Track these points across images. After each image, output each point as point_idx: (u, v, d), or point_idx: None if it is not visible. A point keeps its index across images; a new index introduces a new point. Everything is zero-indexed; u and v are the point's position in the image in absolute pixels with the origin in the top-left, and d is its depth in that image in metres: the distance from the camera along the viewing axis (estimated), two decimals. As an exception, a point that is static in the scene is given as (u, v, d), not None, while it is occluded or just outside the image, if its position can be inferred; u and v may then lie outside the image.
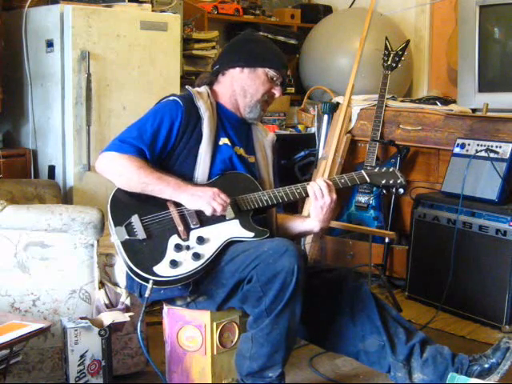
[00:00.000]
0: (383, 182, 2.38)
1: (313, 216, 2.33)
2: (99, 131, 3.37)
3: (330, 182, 2.29)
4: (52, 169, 3.38)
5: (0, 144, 3.50)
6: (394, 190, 2.41)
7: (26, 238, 2.38)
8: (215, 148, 2.31)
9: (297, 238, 2.41)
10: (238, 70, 2.37)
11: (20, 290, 2.40)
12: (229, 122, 2.39)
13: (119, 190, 2.23)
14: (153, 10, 3.66)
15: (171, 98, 2.35)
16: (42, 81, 3.40)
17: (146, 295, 2.07)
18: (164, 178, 2.19)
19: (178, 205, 2.20)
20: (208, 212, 2.17)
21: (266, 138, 2.50)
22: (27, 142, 3.50)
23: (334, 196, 2.27)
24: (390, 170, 2.42)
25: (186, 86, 2.41)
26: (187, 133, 2.28)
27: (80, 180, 3.36)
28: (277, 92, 2.39)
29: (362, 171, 2.38)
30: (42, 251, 2.39)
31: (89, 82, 3.28)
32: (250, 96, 2.36)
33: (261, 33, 4.57)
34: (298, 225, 2.41)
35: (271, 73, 2.36)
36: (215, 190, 2.19)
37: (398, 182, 2.39)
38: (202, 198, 2.17)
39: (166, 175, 2.20)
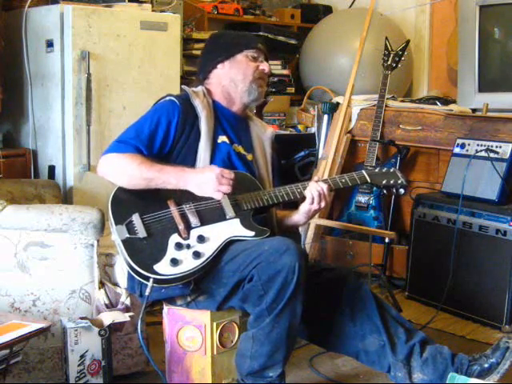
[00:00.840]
0: (384, 182, 2.39)
1: (302, 212, 2.35)
2: (99, 131, 3.37)
3: (330, 188, 2.30)
4: (52, 169, 3.38)
5: (0, 144, 3.50)
6: (394, 191, 2.42)
7: (26, 238, 2.38)
8: (214, 146, 2.32)
9: (285, 232, 2.43)
10: (219, 67, 2.40)
11: (20, 289, 2.40)
12: (226, 120, 2.40)
13: (120, 189, 2.23)
14: (153, 10, 3.66)
15: (168, 98, 2.36)
16: (42, 81, 3.40)
17: (147, 293, 2.07)
18: (166, 170, 2.20)
19: (178, 204, 2.20)
20: (218, 197, 2.19)
21: (264, 133, 2.51)
22: (27, 142, 3.50)
23: (329, 199, 2.31)
24: (391, 170, 2.42)
25: (182, 86, 2.43)
26: (185, 132, 2.29)
27: (80, 180, 3.36)
28: (265, 67, 2.40)
29: (363, 171, 2.38)
30: (42, 251, 2.39)
31: (89, 82, 3.28)
32: (241, 82, 2.37)
33: (261, 33, 4.58)
34: (286, 220, 2.44)
35: (250, 53, 2.38)
36: (217, 170, 2.19)
37: (399, 182, 2.39)
38: (208, 185, 2.18)
39: (167, 166, 2.21)
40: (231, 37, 2.48)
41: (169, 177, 2.19)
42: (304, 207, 2.32)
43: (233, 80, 2.37)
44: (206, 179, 2.19)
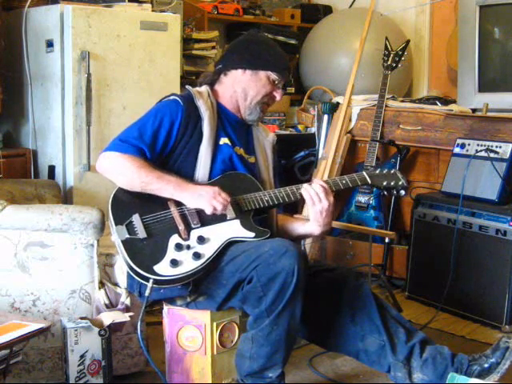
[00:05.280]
0: (384, 183, 2.38)
1: (312, 220, 2.31)
2: (99, 131, 3.38)
3: (326, 185, 2.26)
4: (52, 169, 3.38)
5: (0, 144, 3.50)
6: (395, 192, 2.41)
7: (26, 238, 2.38)
8: (215, 148, 2.31)
9: (297, 239, 2.41)
10: (240, 71, 2.36)
11: (20, 289, 2.40)
12: (229, 122, 2.40)
13: (120, 190, 2.23)
14: (153, 10, 3.66)
15: (171, 97, 2.36)
16: (41, 81, 3.40)
17: (146, 294, 2.07)
18: (165, 177, 2.19)
19: (178, 204, 2.20)
20: (208, 211, 2.17)
21: (266, 138, 2.50)
22: (27, 142, 3.50)
23: (331, 199, 2.26)
24: (392, 171, 2.41)
25: (186, 86, 2.42)
26: (187, 132, 2.29)
27: (80, 180, 3.36)
28: (278, 95, 2.39)
29: (364, 172, 2.37)
30: (42, 251, 2.39)
31: (89, 82, 3.28)
32: (251, 98, 2.36)
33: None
34: (298, 227, 2.40)
35: (273, 76, 2.35)
36: (216, 188, 2.19)
37: (400, 183, 2.38)
38: (203, 197, 2.17)
39: (166, 174, 2.20)
40: (266, 49, 2.40)
41: (166, 185, 2.18)
42: (311, 213, 2.28)
43: (245, 91, 2.35)
44: (202, 191, 2.18)
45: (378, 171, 2.40)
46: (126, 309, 2.43)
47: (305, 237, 2.46)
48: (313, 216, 2.29)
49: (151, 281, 2.06)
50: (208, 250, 2.12)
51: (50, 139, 3.43)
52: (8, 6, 3.46)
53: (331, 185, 2.30)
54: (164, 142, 2.26)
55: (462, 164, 3.34)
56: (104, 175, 2.25)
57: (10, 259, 2.38)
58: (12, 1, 3.47)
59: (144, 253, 2.11)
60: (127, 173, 2.19)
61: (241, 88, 2.36)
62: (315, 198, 2.24)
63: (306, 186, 2.27)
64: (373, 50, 4.23)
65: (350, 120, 4.02)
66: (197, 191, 2.18)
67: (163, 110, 2.30)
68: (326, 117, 4.02)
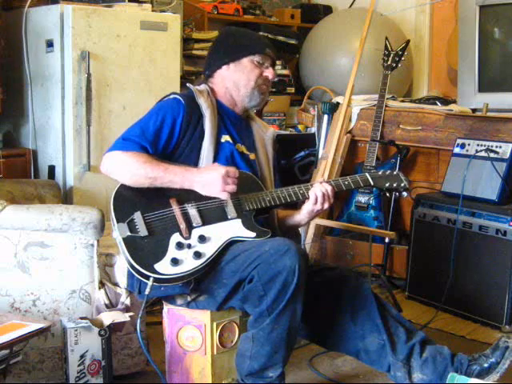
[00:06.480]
0: (387, 185, 2.38)
1: (304, 212, 2.35)
2: (99, 131, 3.38)
3: (332, 191, 2.30)
4: (52, 169, 3.38)
5: (0, 144, 3.50)
6: (397, 194, 2.42)
7: (25, 238, 2.38)
8: (217, 145, 2.32)
9: (286, 231, 2.43)
10: (224, 68, 2.39)
11: (20, 289, 2.39)
12: (229, 120, 2.41)
13: (122, 187, 2.23)
14: (153, 10, 3.67)
15: (172, 96, 2.36)
16: (42, 81, 3.41)
17: (146, 292, 2.07)
18: (170, 170, 2.19)
19: (180, 202, 2.20)
20: (224, 197, 2.19)
21: (266, 133, 2.52)
22: (27, 142, 3.50)
23: (331, 203, 2.30)
24: (394, 173, 2.41)
25: (187, 84, 2.43)
26: (189, 130, 2.29)
27: (80, 180, 3.36)
28: (269, 74, 2.39)
29: (366, 174, 2.38)
30: (42, 251, 2.39)
31: (89, 82, 3.28)
32: (244, 87, 2.37)
33: (261, 33, 4.58)
34: (288, 220, 2.44)
35: (256, 58, 2.37)
36: (222, 171, 2.18)
37: (402, 185, 2.38)
38: (214, 186, 2.18)
39: (172, 165, 2.21)
40: (240, 38, 2.43)
41: (174, 176, 2.19)
42: (307, 207, 2.32)
43: (236, 83, 2.37)
44: (211, 180, 2.18)
45: (380, 172, 2.41)
46: (126, 309, 2.44)
47: (293, 227, 2.49)
48: (308, 210, 2.32)
49: (151, 279, 2.06)
50: (209, 250, 2.12)
51: (50, 139, 3.43)
52: (8, 6, 3.46)
53: (333, 186, 2.31)
54: (166, 139, 2.27)
55: (462, 164, 3.34)
56: (109, 176, 2.24)
57: (10, 259, 2.38)
58: (12, 1, 3.47)
59: (145, 251, 2.11)
60: (133, 170, 2.19)
61: (231, 82, 2.38)
62: (320, 199, 2.27)
63: (316, 184, 2.30)
64: (373, 49, 4.23)
65: (350, 120, 4.02)
66: (205, 180, 2.19)
67: (165, 108, 2.31)
68: (325, 117, 4.03)
